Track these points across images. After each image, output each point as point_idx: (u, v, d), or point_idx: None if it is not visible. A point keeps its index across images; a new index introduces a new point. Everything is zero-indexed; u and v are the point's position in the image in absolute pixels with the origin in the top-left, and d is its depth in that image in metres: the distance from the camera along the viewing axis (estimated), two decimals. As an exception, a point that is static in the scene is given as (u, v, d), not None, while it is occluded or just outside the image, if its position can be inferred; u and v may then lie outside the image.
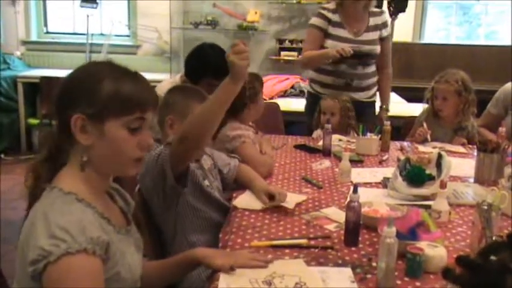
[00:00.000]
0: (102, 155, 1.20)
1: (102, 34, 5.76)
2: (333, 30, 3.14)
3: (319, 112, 3.06)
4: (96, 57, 5.62)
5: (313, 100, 3.24)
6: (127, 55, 5.69)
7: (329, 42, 3.13)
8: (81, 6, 5.49)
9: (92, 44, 5.66)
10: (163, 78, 3.70)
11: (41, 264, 1.04)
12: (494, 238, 1.29)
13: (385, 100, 3.35)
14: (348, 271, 1.40)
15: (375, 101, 3.35)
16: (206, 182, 1.92)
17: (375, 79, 3.27)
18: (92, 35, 5.69)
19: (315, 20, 3.20)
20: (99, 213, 1.18)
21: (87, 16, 5.57)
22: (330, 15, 3.16)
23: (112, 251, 1.13)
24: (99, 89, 1.18)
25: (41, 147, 1.25)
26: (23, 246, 1.10)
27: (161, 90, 2.26)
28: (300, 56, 3.44)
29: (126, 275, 1.19)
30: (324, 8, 3.22)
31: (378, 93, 3.35)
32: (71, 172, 1.20)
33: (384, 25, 3.25)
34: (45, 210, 1.10)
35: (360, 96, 3.21)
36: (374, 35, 3.20)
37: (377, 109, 3.37)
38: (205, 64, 2.63)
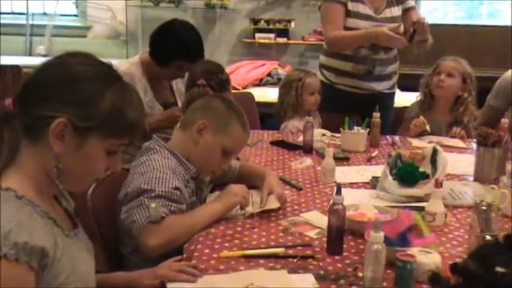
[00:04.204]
0: (68, 167, 1.20)
1: (45, 14, 5.71)
2: (351, 6, 3.08)
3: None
4: (38, 41, 5.56)
5: (328, 92, 3.15)
6: (75, 38, 5.66)
7: (349, 21, 3.08)
8: (20, -19, 5.44)
9: (33, 26, 5.61)
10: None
11: None
12: (487, 238, 1.33)
13: None
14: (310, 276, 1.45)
15: (395, 93, 3.35)
16: None
17: (396, 65, 3.26)
18: (33, 14, 5.63)
19: None
20: (44, 213, 1.17)
21: (27, -7, 5.53)
22: None
23: (56, 257, 1.13)
24: (99, 102, 1.18)
25: None
26: None
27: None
28: (323, 38, 3.34)
29: (79, 284, 1.20)
30: None
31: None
32: (19, 173, 1.19)
33: None
34: None
35: (383, 86, 3.20)
36: (397, 11, 3.15)
37: (396, 101, 3.37)
38: (178, 45, 2.65)
